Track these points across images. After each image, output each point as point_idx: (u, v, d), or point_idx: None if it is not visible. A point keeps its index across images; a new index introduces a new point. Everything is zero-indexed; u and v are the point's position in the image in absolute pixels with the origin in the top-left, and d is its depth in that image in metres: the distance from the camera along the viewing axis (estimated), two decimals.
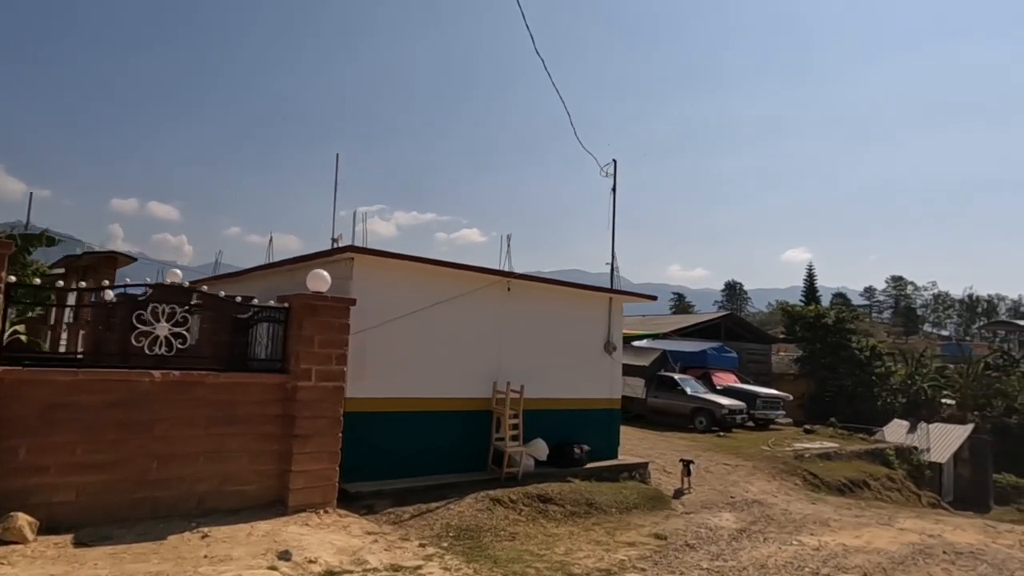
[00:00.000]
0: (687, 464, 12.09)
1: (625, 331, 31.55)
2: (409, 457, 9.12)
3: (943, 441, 22.63)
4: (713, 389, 21.86)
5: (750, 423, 21.21)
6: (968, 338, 78.78)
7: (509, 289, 10.36)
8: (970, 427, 24.09)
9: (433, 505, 8.33)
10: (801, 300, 57.70)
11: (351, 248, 8.78)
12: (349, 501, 8.13)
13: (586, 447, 10.90)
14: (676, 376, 20.79)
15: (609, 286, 12.95)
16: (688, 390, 20.16)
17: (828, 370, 33.26)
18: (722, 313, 37.02)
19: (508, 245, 10.94)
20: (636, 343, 26.31)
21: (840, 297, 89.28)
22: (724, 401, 19.80)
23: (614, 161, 13.05)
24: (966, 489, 22.90)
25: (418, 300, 9.23)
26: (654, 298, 12.30)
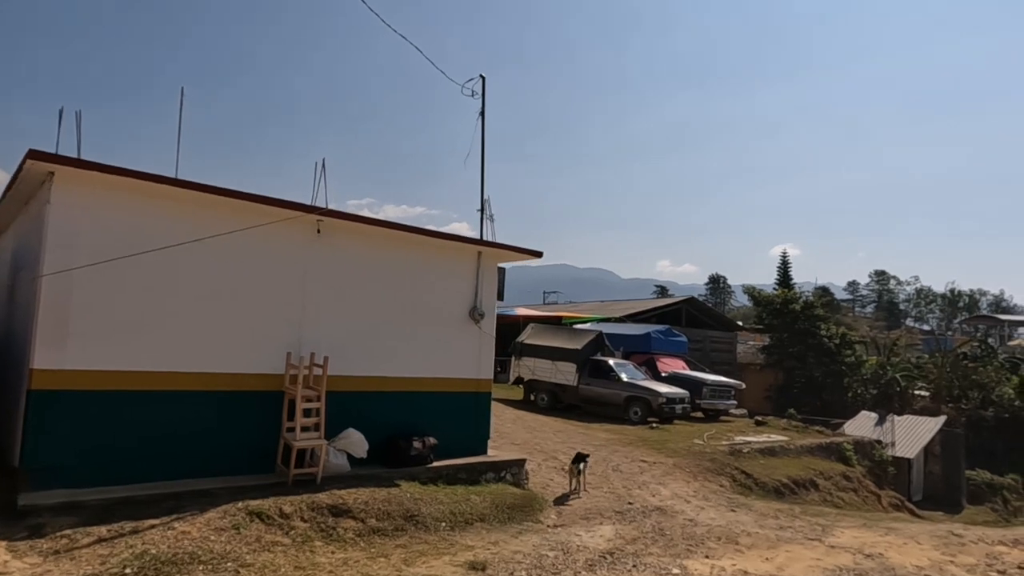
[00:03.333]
0: (578, 461, 9.67)
1: (575, 314, 29.14)
2: (145, 455, 6.60)
3: (912, 435, 20.36)
4: (657, 376, 19.48)
5: (698, 414, 18.84)
6: (950, 332, 77.12)
7: (319, 231, 7.83)
8: (942, 419, 21.81)
9: (147, 523, 5.80)
10: (774, 289, 55.56)
11: (45, 156, 6.06)
12: (16, 519, 5.62)
13: (432, 440, 8.42)
14: (611, 361, 18.30)
15: (480, 237, 10.41)
16: (624, 376, 17.68)
17: (796, 359, 31.07)
18: (682, 298, 34.68)
19: (323, 171, 8.33)
20: (577, 326, 23.93)
21: (823, 290, 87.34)
22: (663, 389, 17.35)
23: (481, 77, 10.50)
24: (937, 487, 20.68)
25: (168, 237, 6.67)
26: (539, 254, 9.77)
